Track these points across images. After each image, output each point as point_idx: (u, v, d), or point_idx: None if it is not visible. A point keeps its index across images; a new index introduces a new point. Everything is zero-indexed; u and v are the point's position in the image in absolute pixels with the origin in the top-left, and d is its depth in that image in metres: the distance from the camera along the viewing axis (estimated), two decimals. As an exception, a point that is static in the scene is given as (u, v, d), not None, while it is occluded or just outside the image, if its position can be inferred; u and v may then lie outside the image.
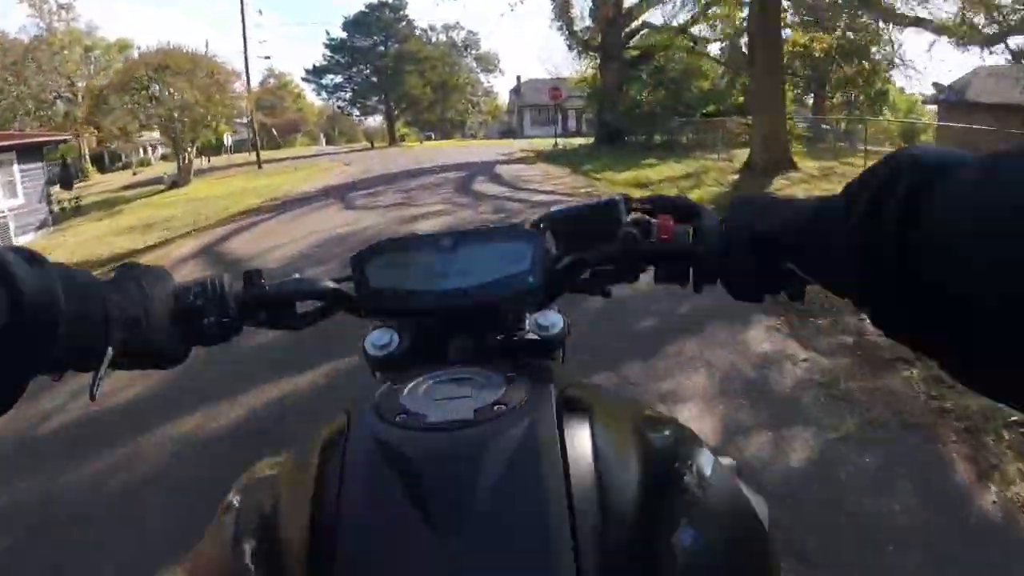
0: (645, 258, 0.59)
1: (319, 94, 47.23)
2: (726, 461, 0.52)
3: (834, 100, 20.35)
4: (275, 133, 30.79)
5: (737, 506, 0.47)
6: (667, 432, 0.52)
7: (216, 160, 29.54)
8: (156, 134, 25.28)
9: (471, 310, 0.61)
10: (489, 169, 15.06)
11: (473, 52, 60.35)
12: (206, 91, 19.57)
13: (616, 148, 18.13)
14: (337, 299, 0.64)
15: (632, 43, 20.80)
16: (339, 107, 50.10)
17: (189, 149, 20.94)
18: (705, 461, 0.49)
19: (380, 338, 0.64)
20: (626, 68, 19.97)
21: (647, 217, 0.60)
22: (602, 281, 0.63)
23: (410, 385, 0.51)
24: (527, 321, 0.65)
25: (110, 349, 0.48)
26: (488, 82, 65.46)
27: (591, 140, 23.25)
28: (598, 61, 20.95)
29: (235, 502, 0.51)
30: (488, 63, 62.78)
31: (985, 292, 0.28)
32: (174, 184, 19.46)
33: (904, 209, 0.33)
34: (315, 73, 45.54)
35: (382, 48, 44.27)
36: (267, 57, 33.81)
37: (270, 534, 0.45)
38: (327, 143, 58.31)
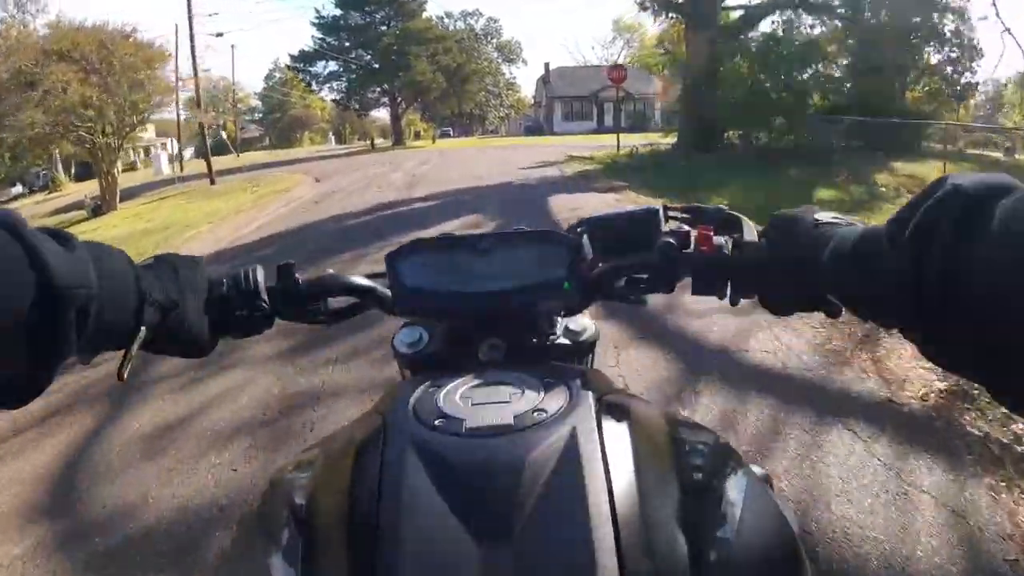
0: (682, 268, 0.58)
1: (309, 85, 38.77)
2: (758, 471, 0.54)
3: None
4: (226, 139, 24.18)
5: (770, 516, 0.47)
6: (703, 442, 0.52)
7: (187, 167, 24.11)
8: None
9: (505, 313, 0.61)
10: (536, 207, 8.23)
11: (495, 40, 54.92)
12: (121, 80, 13.61)
13: (721, 156, 12.25)
14: (370, 296, 0.64)
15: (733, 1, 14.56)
16: (335, 100, 41.79)
17: (117, 157, 15.26)
18: (739, 471, 0.49)
19: (410, 336, 0.66)
20: (723, 38, 13.48)
21: (685, 227, 0.61)
22: (637, 289, 0.63)
23: (447, 388, 0.51)
24: (558, 326, 0.66)
25: (143, 329, 0.47)
26: (511, 73, 60.02)
27: (656, 140, 17.32)
28: (683, 27, 14.49)
29: (271, 500, 0.50)
30: (511, 52, 57.28)
31: None
32: (96, 210, 14.72)
33: (951, 239, 0.33)
34: (303, 60, 36.99)
35: (384, 27, 36.45)
36: (219, 34, 28.44)
37: (307, 535, 0.44)
38: (337, 141, 52.82)
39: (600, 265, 0.64)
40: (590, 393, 0.49)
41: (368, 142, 35.59)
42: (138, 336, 0.47)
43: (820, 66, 13.46)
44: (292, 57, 37.43)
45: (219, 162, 22.41)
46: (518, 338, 0.63)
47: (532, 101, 57.80)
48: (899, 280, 0.36)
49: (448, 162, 16.75)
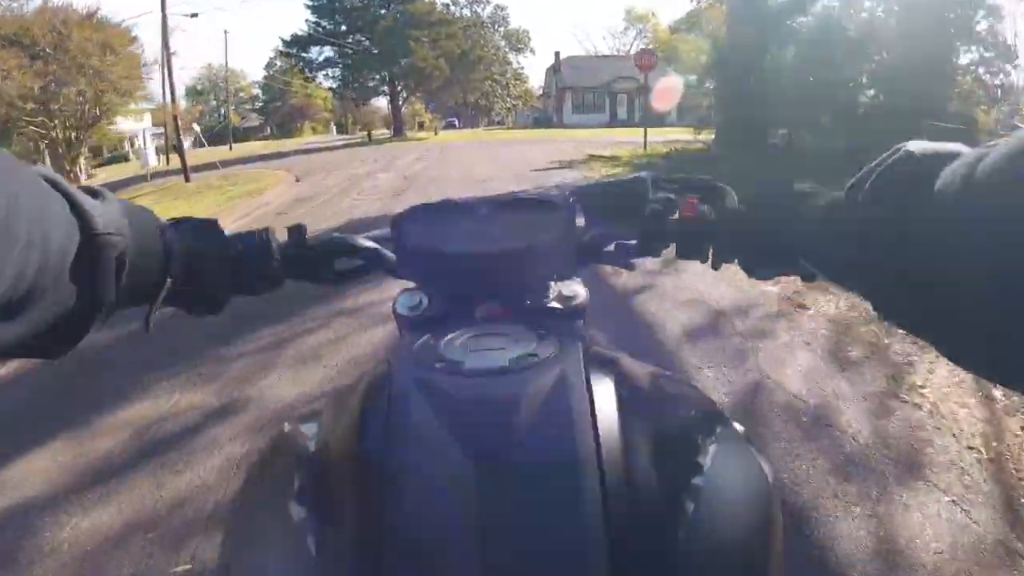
0: (668, 234, 0.62)
1: (303, 72, 35.70)
2: (738, 427, 0.57)
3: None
4: (198, 130, 21.73)
5: (746, 465, 0.52)
6: (685, 393, 0.58)
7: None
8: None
9: (502, 273, 0.66)
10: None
11: (502, 29, 53.12)
12: (72, 68, 11.89)
13: (768, 158, 10.43)
14: (375, 258, 0.68)
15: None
16: (331, 89, 39.12)
17: (79, 154, 13.62)
18: (718, 422, 0.54)
19: (410, 299, 0.70)
20: (771, 18, 11.55)
21: (672, 196, 0.64)
22: (626, 254, 0.67)
23: (447, 337, 0.56)
24: (551, 290, 0.70)
25: (169, 281, 0.50)
26: (518, 63, 58.10)
27: (680, 136, 16.07)
28: (723, 7, 12.58)
29: (278, 446, 0.56)
30: (519, 41, 55.47)
31: (974, 277, 0.30)
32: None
33: (900, 200, 0.36)
34: (296, 44, 33.63)
35: (383, 11, 33.50)
36: (193, 15, 25.96)
37: (316, 469, 0.49)
38: (339, 131, 50.97)
39: (592, 231, 0.69)
40: (579, 344, 0.54)
41: (366, 133, 32.88)
42: (164, 288, 0.50)
43: (874, 60, 11.66)
44: (284, 42, 34.19)
45: (214, 153, 20.87)
46: (514, 300, 0.67)
47: (540, 92, 56.13)
48: (857, 242, 0.39)
49: (448, 159, 14.82)
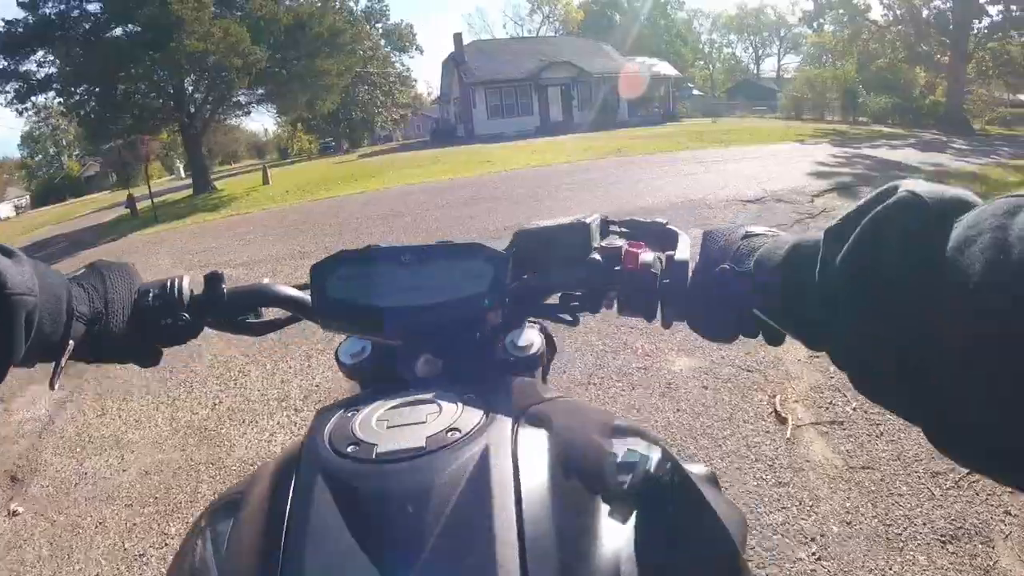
0: (610, 287, 0.73)
1: (6, 101, 23.45)
2: (700, 469, 0.66)
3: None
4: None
5: (708, 520, 0.60)
6: (636, 446, 0.62)
7: None
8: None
9: (429, 328, 0.77)
10: None
11: (380, 25, 54.23)
12: None
13: None
14: (297, 308, 0.84)
15: None
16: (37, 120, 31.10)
17: None
18: (677, 475, 0.61)
19: (353, 347, 0.85)
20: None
21: (618, 243, 0.75)
22: (570, 307, 0.80)
23: (365, 411, 0.64)
24: (503, 341, 0.81)
25: (71, 343, 0.65)
26: (403, 64, 59.12)
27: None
28: None
29: (195, 538, 0.63)
30: (401, 38, 56.58)
31: (985, 371, 0.32)
32: None
33: (901, 257, 0.38)
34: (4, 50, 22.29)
35: None
36: None
37: (225, 569, 0.57)
38: (191, 169, 48.94)
39: (528, 281, 0.79)
40: (509, 407, 0.61)
41: (127, 195, 22.24)
42: (67, 349, 0.65)
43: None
44: None
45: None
46: (456, 353, 0.77)
47: (434, 95, 56.84)
48: (832, 298, 0.43)
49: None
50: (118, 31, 23.09)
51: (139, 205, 20.69)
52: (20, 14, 22.20)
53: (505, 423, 0.59)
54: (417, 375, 0.76)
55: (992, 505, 2.59)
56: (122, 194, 23.72)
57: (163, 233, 15.36)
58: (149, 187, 20.65)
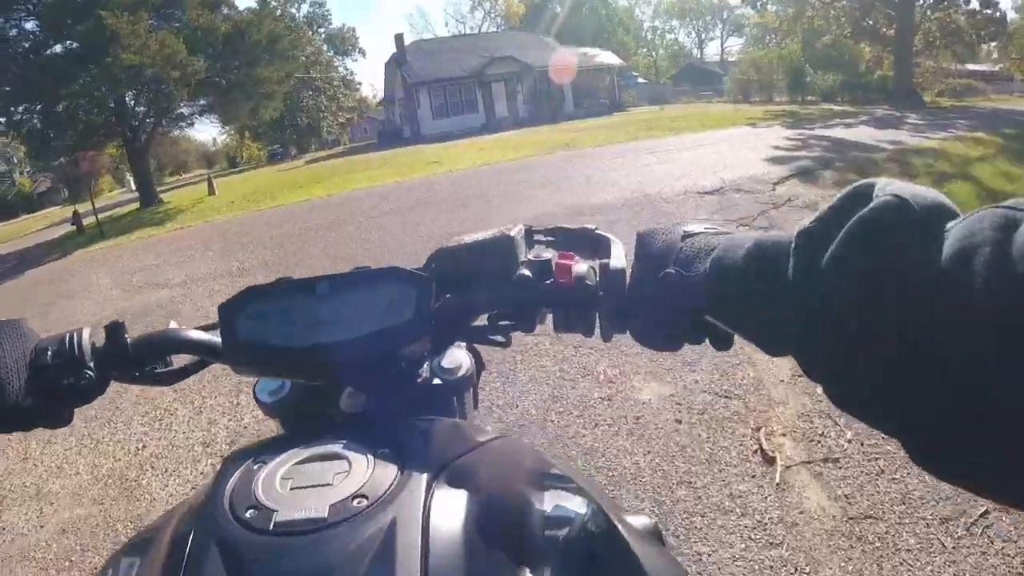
0: (542, 303, 0.70)
1: None
2: (641, 522, 0.64)
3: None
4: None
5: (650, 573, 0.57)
6: (567, 500, 0.60)
7: None
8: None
9: (351, 364, 0.71)
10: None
11: (322, 30, 54.02)
12: None
13: None
14: (208, 352, 0.76)
15: None
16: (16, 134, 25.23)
17: None
18: (615, 529, 0.59)
19: (271, 384, 0.83)
20: None
21: (546, 254, 0.73)
22: (499, 328, 0.75)
23: (271, 465, 0.59)
24: (429, 364, 0.81)
25: None
26: (347, 68, 58.98)
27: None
28: None
29: None
30: (344, 42, 56.52)
31: (983, 387, 0.33)
32: None
33: (891, 264, 0.38)
34: None
35: None
36: None
37: None
38: (136, 183, 48.24)
39: (451, 304, 0.74)
40: (425, 464, 0.57)
41: (72, 212, 21.34)
42: None
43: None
44: None
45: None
46: (378, 385, 0.74)
47: (379, 97, 56.80)
48: (806, 303, 0.42)
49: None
50: (57, 48, 22.52)
51: (85, 221, 20.10)
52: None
53: (419, 486, 0.54)
54: (342, 409, 0.74)
55: (1008, 555, 2.26)
56: (72, 209, 23.13)
57: (107, 250, 14.90)
58: (93, 204, 20.20)
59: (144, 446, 4.20)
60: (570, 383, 3.88)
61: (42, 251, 18.20)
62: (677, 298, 0.57)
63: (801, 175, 9.79)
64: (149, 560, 0.58)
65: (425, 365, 0.81)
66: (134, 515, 3.40)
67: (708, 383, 3.58)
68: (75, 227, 20.67)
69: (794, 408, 3.23)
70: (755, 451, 2.94)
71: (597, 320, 0.68)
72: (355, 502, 0.53)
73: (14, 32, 22.22)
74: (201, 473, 3.71)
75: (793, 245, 0.45)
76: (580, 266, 0.68)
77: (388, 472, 0.57)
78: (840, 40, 32.49)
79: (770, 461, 2.84)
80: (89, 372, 0.71)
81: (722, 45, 77.88)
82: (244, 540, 0.51)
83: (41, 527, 3.49)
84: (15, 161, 61.34)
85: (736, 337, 0.57)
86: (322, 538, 0.50)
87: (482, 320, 0.76)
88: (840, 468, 2.75)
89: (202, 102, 27.24)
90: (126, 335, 0.75)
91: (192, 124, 33.33)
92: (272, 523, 0.52)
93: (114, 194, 54.23)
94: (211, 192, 24.93)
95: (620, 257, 0.68)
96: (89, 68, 20.53)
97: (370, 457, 0.59)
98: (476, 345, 0.84)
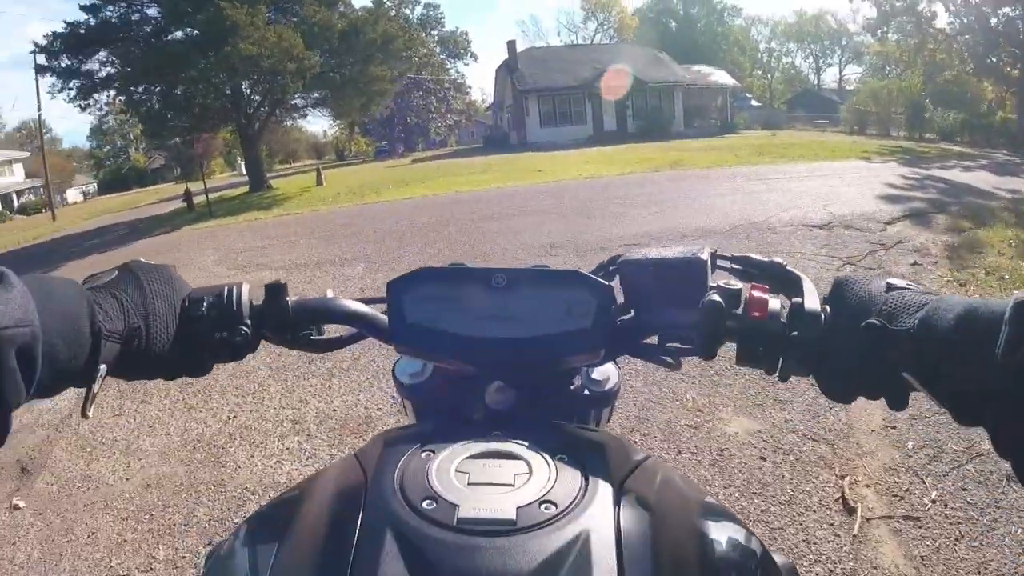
0: (727, 333, 0.66)
1: (70, 97, 23.99)
2: (782, 560, 0.65)
3: None
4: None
5: None
6: (727, 532, 0.59)
7: None
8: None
9: (514, 359, 0.71)
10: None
11: (435, 32, 54.88)
12: None
13: None
14: (367, 326, 0.77)
15: None
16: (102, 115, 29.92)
17: None
18: (764, 565, 0.60)
19: (412, 366, 0.84)
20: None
21: (735, 283, 0.69)
22: (672, 350, 0.73)
23: (441, 456, 0.59)
24: (581, 373, 0.80)
25: (103, 367, 0.59)
26: (458, 72, 59.73)
27: None
28: None
29: (230, 557, 0.59)
30: (457, 45, 57.18)
31: None
32: None
33: None
34: (53, 54, 23.18)
35: None
36: None
37: None
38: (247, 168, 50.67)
39: (631, 318, 0.74)
40: (609, 475, 0.56)
41: (185, 190, 23.02)
42: (97, 374, 0.58)
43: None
44: (39, 48, 23.51)
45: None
46: (530, 385, 0.73)
47: (487, 101, 57.17)
48: (1014, 378, 0.42)
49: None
50: (177, 34, 23.75)
51: (195, 200, 21.34)
52: (83, 16, 22.99)
53: (606, 499, 0.53)
54: (486, 403, 0.72)
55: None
56: (184, 186, 24.54)
57: (214, 229, 15.68)
58: (204, 184, 21.35)
59: (235, 416, 4.36)
60: (658, 406, 3.91)
61: (152, 224, 19.29)
62: (878, 349, 0.56)
63: (914, 217, 9.40)
64: (297, 538, 0.56)
65: (577, 374, 0.80)
66: (218, 480, 3.53)
67: (798, 423, 3.56)
68: (185, 204, 22.11)
69: (882, 460, 3.19)
70: (837, 499, 2.92)
71: (780, 360, 0.66)
72: (543, 507, 0.52)
73: (136, 17, 23.68)
74: (286, 449, 3.80)
75: (1007, 315, 0.43)
76: (775, 302, 0.66)
77: (573, 480, 0.55)
78: (962, 76, 30.81)
79: (851, 511, 2.81)
80: (245, 329, 0.70)
81: (840, 72, 75.10)
82: (426, 533, 0.50)
83: (127, 480, 3.64)
84: (131, 137, 64.01)
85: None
86: (512, 543, 0.49)
87: (652, 338, 0.75)
88: (921, 528, 2.70)
89: (315, 95, 28.15)
90: (287, 297, 0.75)
91: (305, 115, 34.81)
92: (455, 518, 0.51)
93: (224, 176, 56.47)
94: (319, 182, 25.75)
95: (814, 299, 0.65)
96: (207, 55, 21.60)
97: (550, 461, 0.57)
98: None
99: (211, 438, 4.05)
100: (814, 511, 2.84)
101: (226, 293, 0.71)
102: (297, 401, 4.47)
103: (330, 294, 0.79)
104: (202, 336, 0.69)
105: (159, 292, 0.67)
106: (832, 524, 2.76)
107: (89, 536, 3.12)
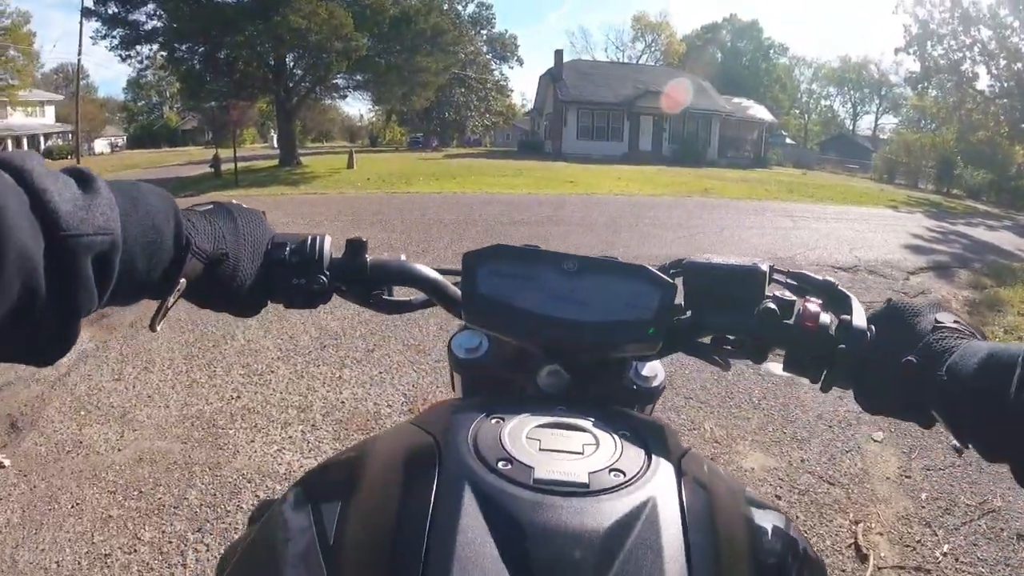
0: (778, 340, 0.71)
1: (111, 46, 24.35)
2: (815, 556, 0.66)
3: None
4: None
5: None
6: (773, 520, 0.63)
7: None
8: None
9: (576, 342, 0.73)
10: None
11: (484, 32, 54.92)
12: None
13: None
14: (438, 294, 0.80)
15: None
16: (141, 68, 27.39)
17: None
18: (805, 554, 0.62)
19: (469, 341, 0.84)
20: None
21: (789, 295, 0.73)
22: (724, 351, 0.76)
23: (511, 423, 0.60)
24: (628, 367, 0.82)
25: (183, 281, 0.59)
26: (502, 74, 59.69)
27: None
28: None
29: (290, 511, 0.60)
30: (504, 47, 57.20)
31: None
32: None
33: None
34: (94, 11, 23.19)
35: None
36: None
37: (334, 565, 0.52)
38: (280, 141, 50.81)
39: (690, 317, 0.76)
40: (668, 455, 0.58)
41: (214, 156, 23.14)
42: (177, 288, 0.58)
43: None
44: (90, 11, 23.61)
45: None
46: (583, 372, 0.75)
47: (527, 107, 57.03)
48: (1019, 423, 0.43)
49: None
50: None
51: (224, 167, 21.10)
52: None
53: (669, 472, 0.55)
54: (539, 385, 0.74)
55: None
56: (213, 151, 24.26)
57: (239, 198, 15.41)
58: (235, 151, 20.93)
59: (239, 396, 4.16)
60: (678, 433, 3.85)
61: (177, 185, 18.93)
62: (911, 385, 0.60)
63: (937, 270, 9.35)
64: (366, 492, 0.57)
65: (627, 366, 0.82)
66: (214, 462, 3.33)
67: (814, 464, 3.52)
68: (213, 169, 21.91)
69: (896, 508, 3.14)
70: (849, 544, 2.87)
71: (824, 371, 0.69)
72: (612, 475, 0.54)
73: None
74: (288, 438, 3.61)
75: (1022, 357, 0.46)
76: (825, 316, 0.70)
77: (638, 454, 0.57)
78: (996, 138, 30.67)
79: (863, 558, 2.77)
80: (323, 278, 0.72)
81: (876, 120, 74.62)
82: (505, 490, 0.51)
83: (119, 450, 3.43)
84: (167, 95, 62.81)
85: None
86: (587, 503, 0.51)
87: (706, 339, 0.77)
88: (933, 582, 2.62)
89: (358, 78, 27.97)
90: (366, 254, 0.77)
91: (344, 97, 34.64)
92: (532, 479, 0.53)
93: (255, 146, 56.23)
94: (350, 165, 25.56)
95: (862, 318, 0.68)
96: (256, 22, 21.38)
97: (615, 437, 0.59)
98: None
99: (211, 416, 3.86)
100: (827, 555, 2.79)
101: (309, 242, 0.73)
102: (305, 388, 4.31)
103: (403, 258, 0.81)
104: (280, 280, 0.71)
105: (249, 230, 0.68)
106: (844, 571, 2.71)
107: (73, 506, 2.94)
